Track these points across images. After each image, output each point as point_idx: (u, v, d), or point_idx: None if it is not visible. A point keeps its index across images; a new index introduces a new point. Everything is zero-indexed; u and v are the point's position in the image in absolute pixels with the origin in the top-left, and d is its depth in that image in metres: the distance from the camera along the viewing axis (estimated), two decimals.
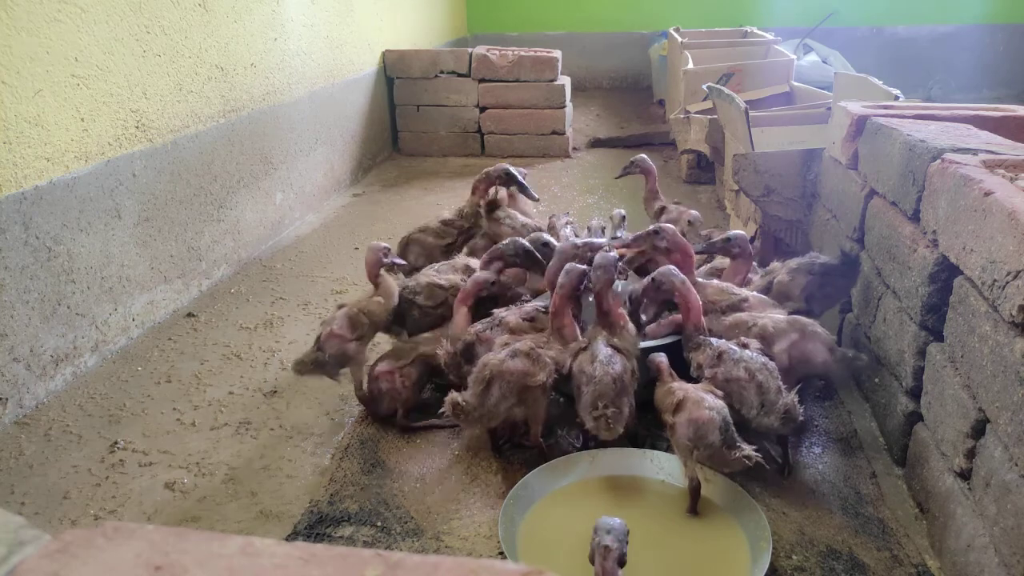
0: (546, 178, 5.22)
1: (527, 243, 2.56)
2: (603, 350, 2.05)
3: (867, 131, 2.51)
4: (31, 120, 2.48)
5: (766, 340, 2.15)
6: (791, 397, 1.98)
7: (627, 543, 1.39)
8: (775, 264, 2.61)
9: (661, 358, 2.13)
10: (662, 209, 3.32)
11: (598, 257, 2.20)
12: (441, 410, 2.07)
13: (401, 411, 2.36)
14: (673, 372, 2.09)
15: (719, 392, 1.96)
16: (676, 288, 2.20)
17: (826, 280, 2.45)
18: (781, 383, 2.02)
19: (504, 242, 2.60)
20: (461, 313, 2.39)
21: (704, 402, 1.88)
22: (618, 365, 2.02)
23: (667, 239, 2.46)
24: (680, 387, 1.96)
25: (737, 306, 2.33)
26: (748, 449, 1.83)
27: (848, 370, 2.23)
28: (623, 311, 2.22)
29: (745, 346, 2.12)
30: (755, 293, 2.42)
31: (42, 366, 2.55)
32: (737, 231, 2.62)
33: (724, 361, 2.05)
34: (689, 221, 3.14)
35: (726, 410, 1.88)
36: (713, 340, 2.16)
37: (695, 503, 1.91)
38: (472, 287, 2.41)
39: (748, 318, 2.25)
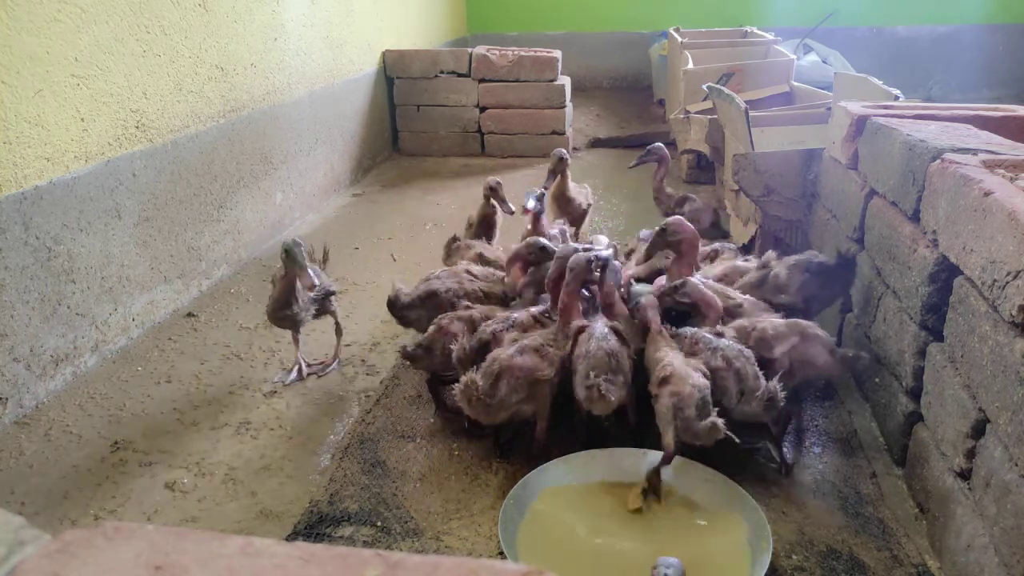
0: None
1: (543, 240, 2.63)
2: (600, 328, 2.11)
3: (867, 131, 2.51)
4: (31, 120, 2.48)
5: (766, 344, 2.15)
6: (773, 383, 1.99)
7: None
8: (770, 254, 2.60)
9: (651, 303, 2.16)
10: (683, 199, 3.38)
11: (610, 265, 2.28)
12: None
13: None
14: (663, 329, 2.14)
15: (707, 371, 1.99)
16: (699, 297, 2.26)
17: (825, 281, 2.44)
18: (758, 369, 2.03)
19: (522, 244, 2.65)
20: (515, 270, 2.59)
21: (689, 379, 1.92)
22: (613, 341, 2.07)
23: (676, 230, 2.47)
24: (670, 360, 1.99)
25: (732, 311, 2.33)
26: (715, 418, 1.87)
27: (849, 370, 2.22)
28: (623, 305, 2.29)
29: (720, 335, 2.13)
30: (749, 297, 2.42)
31: (42, 366, 2.55)
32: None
33: (701, 351, 2.08)
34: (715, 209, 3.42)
35: (707, 390, 1.93)
36: (687, 329, 2.19)
37: (666, 464, 1.94)
38: (524, 249, 2.58)
39: (748, 323, 2.24)
